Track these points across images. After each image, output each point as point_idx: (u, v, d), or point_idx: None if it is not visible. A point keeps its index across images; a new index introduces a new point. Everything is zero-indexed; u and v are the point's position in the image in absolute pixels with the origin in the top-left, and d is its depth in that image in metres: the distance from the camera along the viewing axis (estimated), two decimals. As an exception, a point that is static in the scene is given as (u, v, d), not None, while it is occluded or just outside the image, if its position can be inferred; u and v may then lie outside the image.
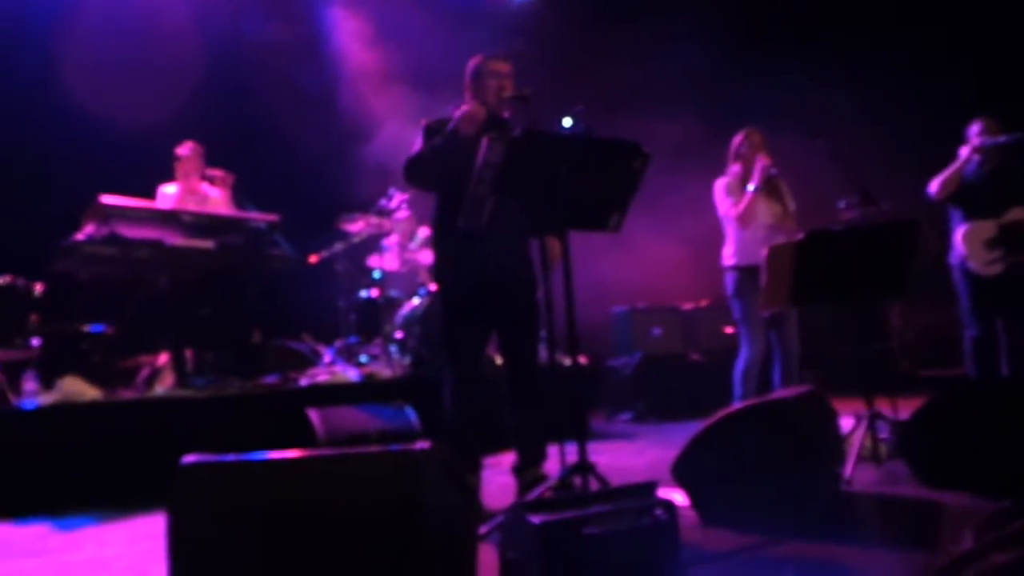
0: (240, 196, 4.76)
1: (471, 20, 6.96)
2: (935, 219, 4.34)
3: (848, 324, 5.74)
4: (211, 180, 4.80)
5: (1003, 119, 4.23)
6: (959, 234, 4.18)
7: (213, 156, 4.86)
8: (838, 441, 2.96)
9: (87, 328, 4.47)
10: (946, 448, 2.72)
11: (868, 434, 3.28)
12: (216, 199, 4.77)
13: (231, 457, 1.77)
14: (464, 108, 2.85)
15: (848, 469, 2.99)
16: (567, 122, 2.94)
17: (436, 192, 3.08)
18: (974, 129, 4.20)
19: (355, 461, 1.73)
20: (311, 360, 5.10)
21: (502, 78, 3.01)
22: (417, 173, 2.97)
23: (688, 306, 6.46)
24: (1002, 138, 4.06)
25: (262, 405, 3.93)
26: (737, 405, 2.71)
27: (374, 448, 1.78)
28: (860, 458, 3.14)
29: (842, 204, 3.77)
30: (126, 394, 4.11)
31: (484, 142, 2.30)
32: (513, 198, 2.38)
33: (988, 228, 4.12)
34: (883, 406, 3.46)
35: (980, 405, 2.74)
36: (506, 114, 3.03)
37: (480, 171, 2.30)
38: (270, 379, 4.49)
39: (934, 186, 4.21)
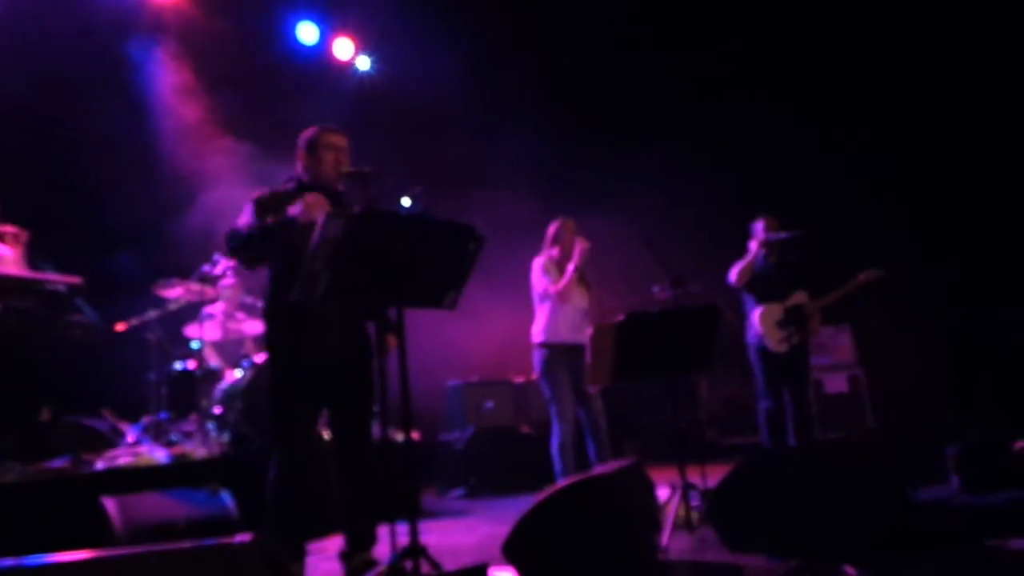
0: (37, 256, 4.27)
1: (311, 86, 6.94)
2: (732, 302, 4.86)
3: (663, 398, 6.19)
4: (1, 236, 4.27)
5: (781, 214, 4.90)
6: (755, 316, 4.72)
7: (5, 210, 4.34)
8: (656, 511, 3.14)
9: None
10: (745, 514, 2.98)
11: (682, 503, 3.52)
12: (6, 258, 4.24)
13: (6, 563, 1.54)
14: (308, 201, 2.75)
15: (665, 538, 3.17)
16: (406, 201, 3.00)
17: (264, 266, 2.97)
18: (759, 225, 4.82)
19: (160, 560, 1.56)
20: (111, 440, 4.55)
21: (339, 151, 3.01)
22: (243, 250, 2.86)
23: (520, 379, 6.63)
24: (783, 234, 4.69)
25: (48, 494, 3.44)
26: (561, 481, 2.80)
27: (184, 543, 1.62)
28: (675, 526, 3.35)
29: (656, 288, 4.15)
30: None
31: (321, 217, 2.28)
32: (349, 274, 2.35)
33: (777, 311, 4.69)
34: (695, 475, 3.74)
35: (773, 473, 3.05)
36: (341, 187, 3.03)
37: (316, 246, 2.27)
38: (58, 462, 3.95)
39: (733, 276, 4.74)
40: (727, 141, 7.11)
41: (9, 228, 4.28)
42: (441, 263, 2.59)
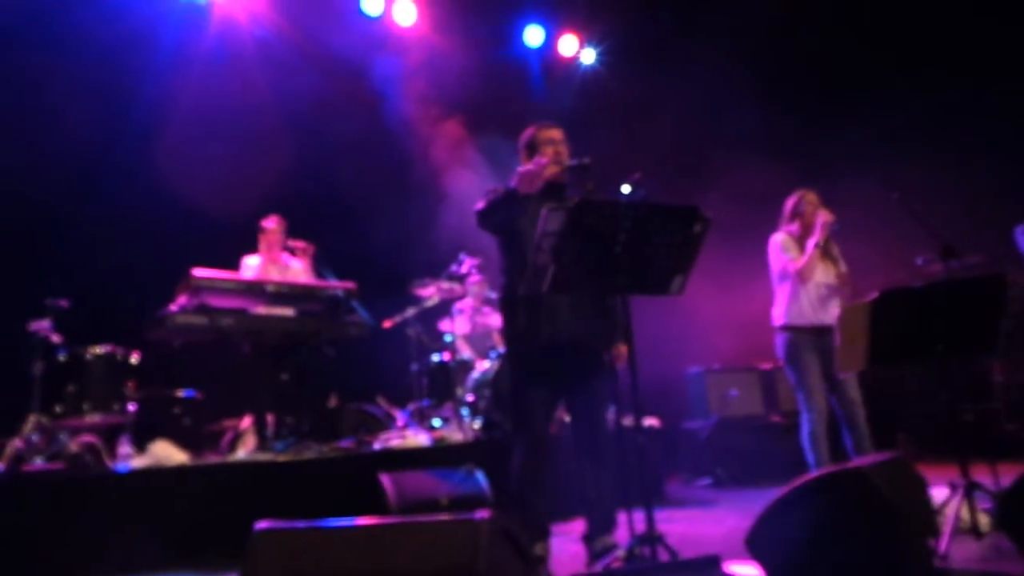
0: (319, 265, 5.00)
1: (538, 86, 7.24)
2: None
3: (940, 385, 5.41)
4: (292, 251, 5.07)
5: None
6: None
7: (294, 228, 5.15)
8: (929, 512, 2.77)
9: (179, 393, 4.74)
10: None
11: (964, 505, 3.06)
12: (297, 269, 5.03)
13: (302, 524, 1.84)
14: (521, 170, 2.80)
15: (943, 543, 2.79)
16: (626, 189, 2.98)
17: (502, 253, 3.12)
18: None
19: (417, 530, 1.75)
20: (385, 423, 5.20)
21: (557, 144, 3.07)
22: (485, 218, 2.98)
23: (766, 366, 6.25)
24: None
25: (337, 469, 4.02)
26: (812, 473, 2.59)
27: (437, 516, 1.81)
28: (957, 531, 2.93)
29: (920, 260, 3.62)
30: (211, 457, 4.29)
31: (543, 212, 2.37)
32: (573, 265, 2.42)
33: None
34: (983, 473, 3.23)
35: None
36: (565, 180, 3.10)
37: (540, 240, 2.36)
38: (345, 442, 4.61)
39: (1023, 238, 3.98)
40: (998, 85, 5.97)
41: (299, 243, 5.08)
42: (666, 248, 2.54)
